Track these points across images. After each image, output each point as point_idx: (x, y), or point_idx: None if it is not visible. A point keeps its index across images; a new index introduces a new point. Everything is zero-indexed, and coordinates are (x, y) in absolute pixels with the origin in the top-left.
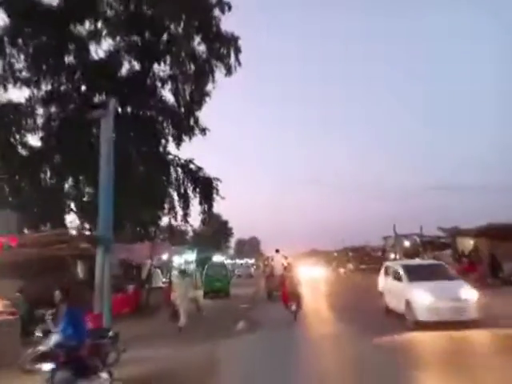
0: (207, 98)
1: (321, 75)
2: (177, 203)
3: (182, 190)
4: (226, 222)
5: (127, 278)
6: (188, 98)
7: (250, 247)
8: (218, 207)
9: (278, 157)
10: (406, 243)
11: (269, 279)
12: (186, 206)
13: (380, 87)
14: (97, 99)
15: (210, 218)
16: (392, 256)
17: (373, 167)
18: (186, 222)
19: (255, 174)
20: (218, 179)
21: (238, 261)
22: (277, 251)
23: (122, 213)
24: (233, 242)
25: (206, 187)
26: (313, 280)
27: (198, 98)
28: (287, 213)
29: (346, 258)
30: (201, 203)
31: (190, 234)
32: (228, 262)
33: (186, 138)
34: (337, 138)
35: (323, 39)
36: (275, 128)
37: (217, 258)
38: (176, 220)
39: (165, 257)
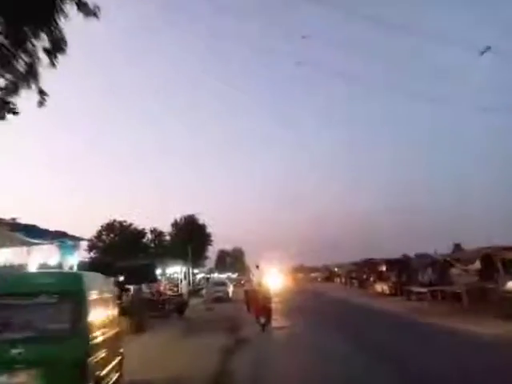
0: None
1: None
2: None
3: None
4: (202, 227)
5: None
6: None
7: (233, 259)
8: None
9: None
10: None
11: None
12: None
13: None
14: None
15: None
16: None
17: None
18: None
19: (246, 184)
20: None
21: (218, 275)
22: (257, 267)
23: None
24: (212, 252)
25: None
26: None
27: None
28: (279, 226)
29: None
30: None
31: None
32: (200, 276)
33: None
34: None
35: None
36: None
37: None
38: None
39: None
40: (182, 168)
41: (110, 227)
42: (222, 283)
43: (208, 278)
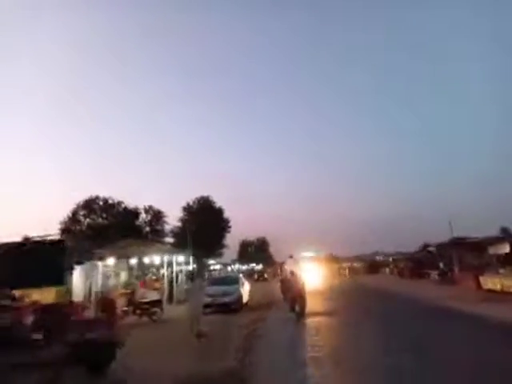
0: None
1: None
2: None
3: None
4: (220, 211)
5: None
6: None
7: (257, 250)
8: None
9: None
10: None
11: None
12: None
13: None
14: None
15: None
16: None
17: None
18: None
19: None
20: None
21: (241, 266)
22: (290, 257)
23: None
24: (231, 241)
25: None
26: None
27: None
28: (301, 216)
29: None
30: None
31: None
32: (217, 267)
33: None
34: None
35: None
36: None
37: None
38: None
39: None
40: (202, 157)
41: (89, 205)
42: (231, 280)
43: (192, 275)
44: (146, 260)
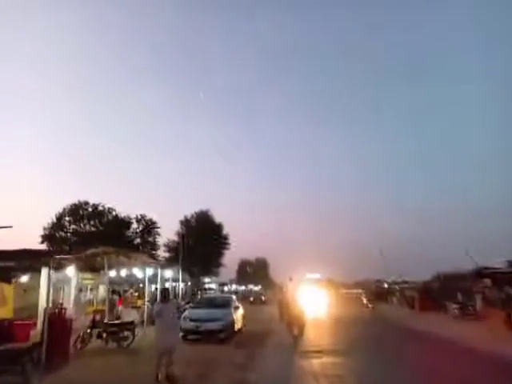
0: None
1: None
2: None
3: None
4: (219, 226)
5: None
6: None
7: (255, 271)
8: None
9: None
10: None
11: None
12: None
13: None
14: None
15: None
16: None
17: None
18: None
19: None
20: None
21: (238, 287)
22: (290, 279)
23: None
24: (229, 260)
25: None
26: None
27: None
28: (303, 238)
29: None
30: None
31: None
32: (212, 286)
33: None
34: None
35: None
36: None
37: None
38: None
39: None
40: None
41: (75, 211)
42: (221, 302)
43: (165, 291)
44: (123, 273)
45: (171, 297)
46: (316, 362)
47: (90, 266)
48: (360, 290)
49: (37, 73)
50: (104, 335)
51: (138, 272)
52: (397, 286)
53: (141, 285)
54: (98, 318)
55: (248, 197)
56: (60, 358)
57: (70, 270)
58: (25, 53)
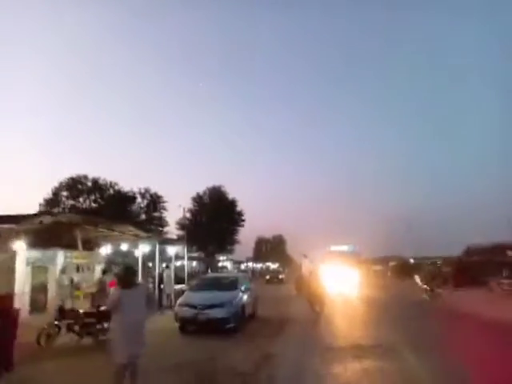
0: None
1: None
2: None
3: None
4: (232, 202)
5: None
6: None
7: (273, 248)
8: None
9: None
10: None
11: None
12: None
13: None
14: None
15: None
16: None
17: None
18: None
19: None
20: None
21: (255, 265)
22: (304, 256)
23: None
24: (243, 237)
25: None
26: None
27: None
28: (321, 214)
29: None
30: None
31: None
32: (227, 264)
33: None
34: None
35: None
36: None
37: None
38: None
39: None
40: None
41: (73, 186)
42: (227, 283)
43: (128, 269)
44: (108, 249)
45: (165, 279)
46: (354, 368)
47: (68, 242)
48: (392, 263)
49: (38, 52)
50: (76, 328)
51: (125, 247)
52: (428, 261)
53: (150, 264)
54: (61, 306)
55: (264, 174)
56: None
57: (20, 245)
58: (26, 33)
